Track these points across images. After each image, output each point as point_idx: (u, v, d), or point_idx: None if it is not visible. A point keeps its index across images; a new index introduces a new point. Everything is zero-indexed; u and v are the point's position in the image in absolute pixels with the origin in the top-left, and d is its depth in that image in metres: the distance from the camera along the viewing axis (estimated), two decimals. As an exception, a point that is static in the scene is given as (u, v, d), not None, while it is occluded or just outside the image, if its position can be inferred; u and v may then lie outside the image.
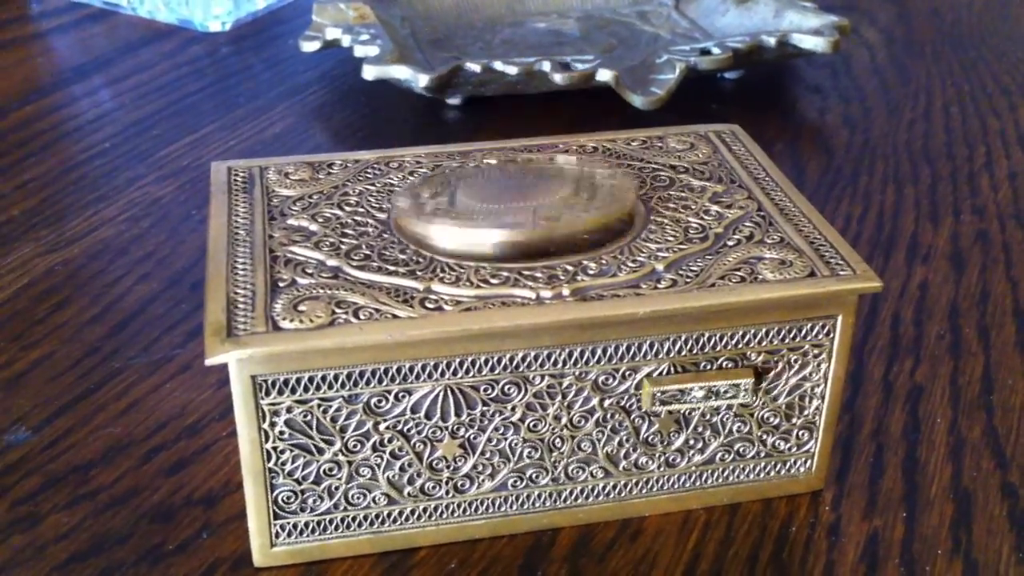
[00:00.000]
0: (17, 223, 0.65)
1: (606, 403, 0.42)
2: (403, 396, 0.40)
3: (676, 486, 0.45)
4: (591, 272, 0.42)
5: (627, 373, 0.42)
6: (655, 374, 0.42)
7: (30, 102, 0.81)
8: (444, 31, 0.88)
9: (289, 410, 0.40)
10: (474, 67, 0.74)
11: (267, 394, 0.39)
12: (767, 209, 0.46)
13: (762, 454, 0.45)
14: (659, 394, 0.42)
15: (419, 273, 0.42)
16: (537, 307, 0.40)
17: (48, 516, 0.45)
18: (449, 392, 0.41)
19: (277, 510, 0.41)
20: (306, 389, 0.39)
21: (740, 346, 0.42)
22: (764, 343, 0.43)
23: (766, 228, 0.45)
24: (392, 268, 0.42)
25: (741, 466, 0.45)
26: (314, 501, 0.42)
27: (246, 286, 0.41)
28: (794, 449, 0.45)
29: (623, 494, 0.44)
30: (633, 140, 0.52)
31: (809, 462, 0.46)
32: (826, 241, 0.44)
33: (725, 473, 0.45)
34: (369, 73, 0.74)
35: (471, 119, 0.79)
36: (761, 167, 0.50)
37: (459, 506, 0.43)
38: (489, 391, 0.41)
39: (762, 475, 0.45)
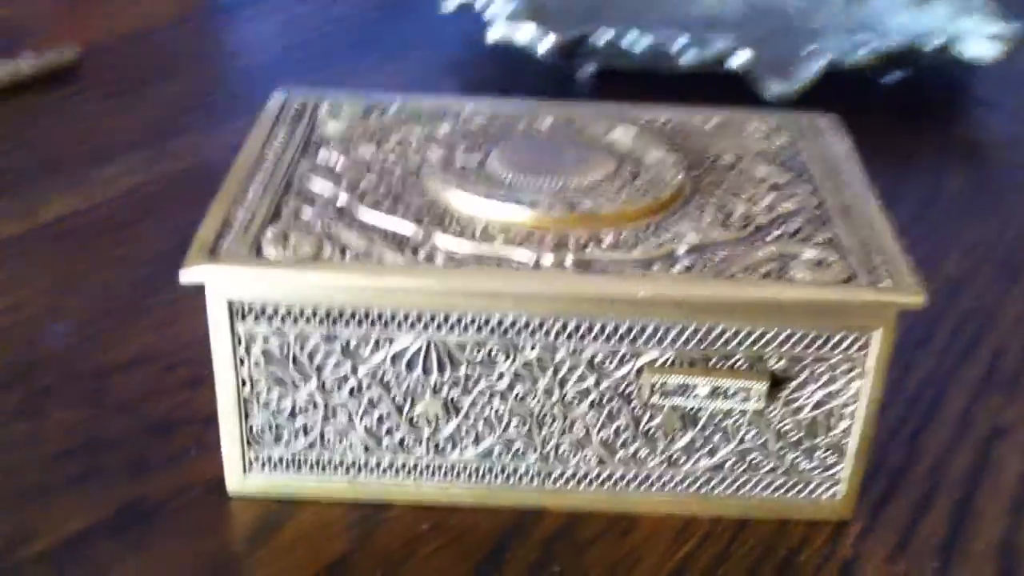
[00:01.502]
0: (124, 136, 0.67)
1: (602, 385, 0.39)
2: (383, 344, 0.38)
3: (679, 488, 0.41)
4: (605, 244, 0.39)
5: (626, 357, 0.39)
6: (657, 363, 0.39)
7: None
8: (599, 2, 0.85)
9: (266, 339, 0.38)
10: (600, 38, 0.71)
11: (243, 319, 0.38)
12: (829, 207, 0.42)
13: (779, 470, 0.41)
14: (659, 385, 0.39)
15: (426, 221, 0.40)
16: (530, 272, 0.38)
17: (56, 412, 0.45)
18: (432, 347, 0.39)
19: (252, 439, 0.40)
20: (283, 321, 0.38)
21: (757, 348, 0.38)
22: (785, 348, 0.38)
23: (818, 226, 0.41)
24: (400, 213, 0.40)
25: (755, 479, 0.41)
26: (289, 436, 0.40)
27: (249, 210, 0.40)
28: (818, 471, 0.41)
29: (619, 486, 0.41)
30: (709, 120, 0.48)
31: (835, 488, 0.41)
32: (882, 249, 0.40)
33: (736, 484, 0.41)
34: (493, 35, 0.72)
35: (600, 93, 0.76)
36: (844, 162, 0.45)
37: (440, 468, 0.41)
38: (475, 353, 0.39)
39: (778, 493, 0.41)
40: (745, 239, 0.40)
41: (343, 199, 0.41)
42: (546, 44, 0.71)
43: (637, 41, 0.71)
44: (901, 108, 0.76)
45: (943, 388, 0.48)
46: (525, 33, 0.71)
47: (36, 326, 0.50)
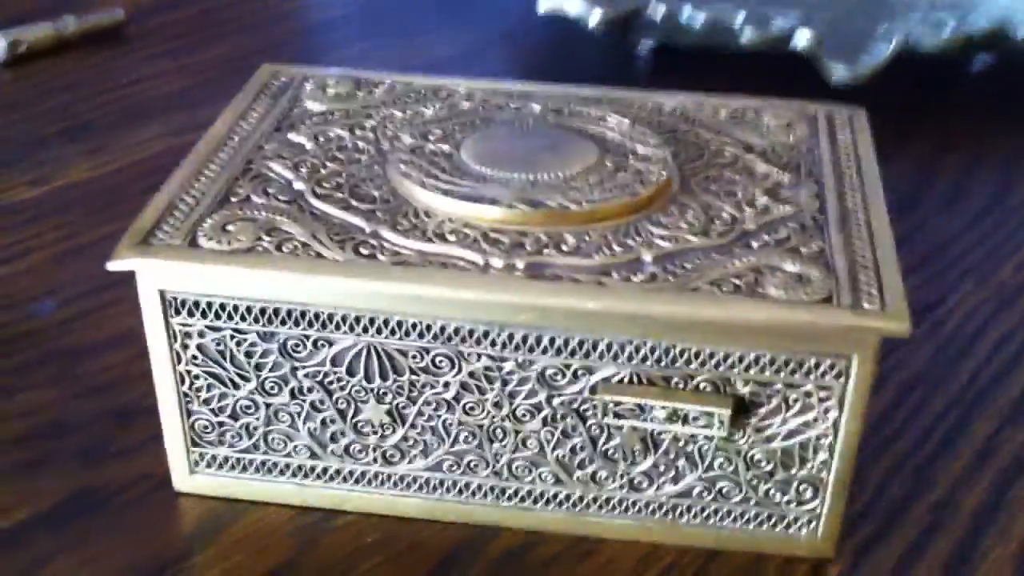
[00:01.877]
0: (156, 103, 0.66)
1: (555, 401, 0.36)
2: (322, 345, 0.36)
3: (644, 514, 0.38)
4: (565, 247, 0.36)
5: (579, 372, 0.35)
6: (613, 380, 0.35)
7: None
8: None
9: (201, 334, 0.37)
10: (656, 11, 0.67)
11: (177, 313, 0.36)
12: (829, 213, 0.38)
13: (752, 500, 0.37)
14: (613, 404, 0.35)
15: (379, 214, 0.37)
16: (476, 276, 0.35)
17: (26, 391, 0.44)
18: (373, 351, 0.36)
19: (195, 437, 0.39)
20: (218, 316, 0.36)
21: (722, 369, 0.35)
22: (752, 372, 0.35)
23: (811, 234, 0.37)
24: (355, 204, 0.38)
25: (726, 509, 0.38)
26: (232, 437, 0.39)
27: (197, 194, 0.38)
28: (794, 505, 0.37)
29: (578, 507, 0.38)
30: (723, 108, 0.44)
31: (814, 523, 0.37)
32: (875, 264, 0.35)
33: (706, 512, 0.38)
34: (543, 5, 0.69)
35: (658, 70, 0.72)
36: (859, 163, 0.41)
37: (389, 478, 0.39)
38: (418, 359, 0.36)
39: (752, 525, 0.38)
40: (724, 246, 0.36)
41: (299, 185, 0.39)
42: (595, 17, 0.67)
43: (694, 16, 0.66)
44: (985, 98, 0.69)
45: (967, 414, 0.44)
46: (574, 5, 0.68)
47: (28, 298, 0.50)
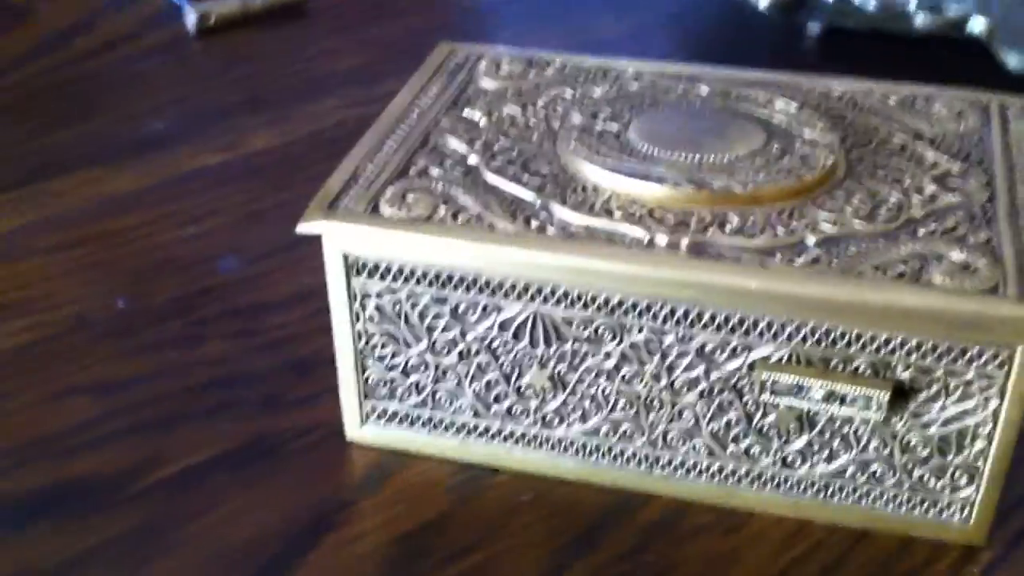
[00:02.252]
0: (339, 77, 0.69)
1: (712, 376, 0.37)
2: (491, 311, 0.38)
3: (796, 491, 0.39)
4: (729, 227, 0.37)
5: (738, 350, 0.36)
6: (771, 360, 0.36)
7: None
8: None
9: (380, 295, 0.39)
10: (829, -8, 0.66)
11: (358, 274, 0.39)
12: (999, 204, 0.38)
13: (905, 484, 0.38)
14: (771, 383, 0.36)
15: (548, 189, 0.39)
16: (637, 251, 0.36)
17: (209, 342, 0.48)
18: (539, 319, 0.38)
19: (368, 391, 0.41)
20: (395, 279, 0.38)
21: (883, 354, 0.35)
22: (913, 358, 0.35)
23: (979, 224, 0.37)
24: (526, 178, 0.39)
25: (878, 491, 0.38)
26: (403, 392, 0.41)
27: (379, 164, 0.40)
28: (947, 491, 0.37)
29: (730, 481, 0.39)
30: (891, 95, 0.44)
31: (967, 510, 0.38)
32: (1045, 256, 0.35)
33: (858, 493, 0.38)
34: (713, -17, 0.69)
35: (827, 53, 0.72)
36: (1032, 153, 0.41)
37: (547, 440, 0.40)
38: (582, 329, 0.38)
39: (904, 509, 0.38)
40: (889, 233, 0.36)
41: (473, 159, 0.41)
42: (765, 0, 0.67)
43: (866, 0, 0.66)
44: None
45: None
46: (743, -15, 0.68)
47: (214, 256, 0.53)
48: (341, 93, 0.67)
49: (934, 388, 0.35)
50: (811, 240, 0.36)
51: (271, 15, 0.76)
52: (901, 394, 0.36)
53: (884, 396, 0.35)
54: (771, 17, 0.71)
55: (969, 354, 0.35)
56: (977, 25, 0.64)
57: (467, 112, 0.44)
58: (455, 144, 0.41)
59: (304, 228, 0.38)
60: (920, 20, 0.65)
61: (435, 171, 0.40)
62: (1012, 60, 0.63)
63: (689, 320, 0.36)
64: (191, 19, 0.74)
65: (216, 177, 0.59)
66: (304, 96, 0.67)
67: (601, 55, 0.48)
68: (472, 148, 0.41)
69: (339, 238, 0.38)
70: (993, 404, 0.35)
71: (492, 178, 0.39)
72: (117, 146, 0.62)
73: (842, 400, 0.36)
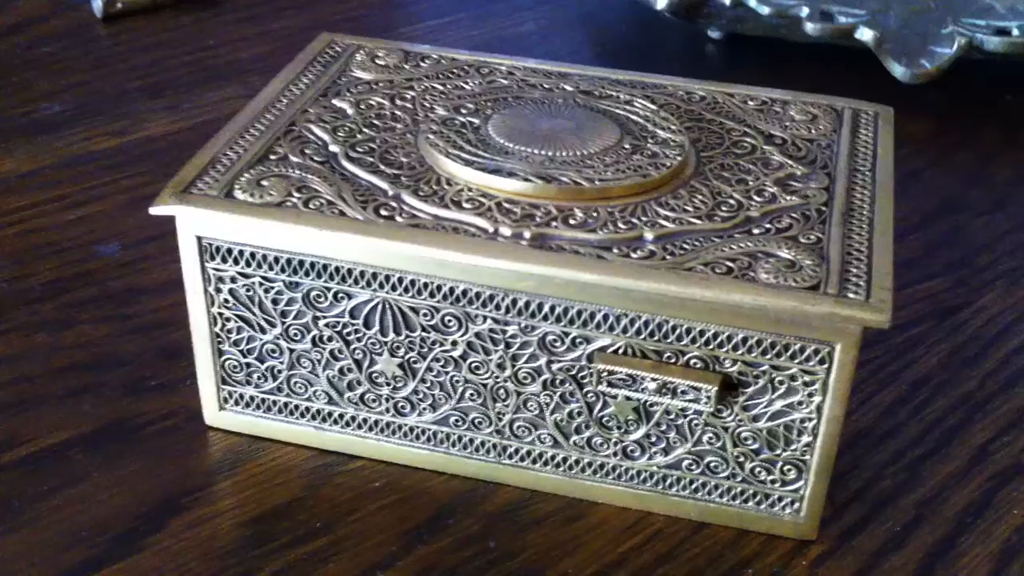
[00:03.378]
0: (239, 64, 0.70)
1: (554, 367, 0.38)
2: (342, 297, 0.39)
3: (635, 481, 0.40)
4: (573, 221, 0.38)
5: (578, 340, 0.37)
6: (608, 351, 0.37)
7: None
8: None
9: (233, 280, 0.39)
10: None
11: (212, 258, 0.39)
12: (835, 206, 0.39)
13: (739, 477, 0.39)
14: (608, 373, 0.37)
15: (403, 180, 0.39)
16: (481, 242, 0.37)
17: (79, 325, 0.48)
18: (387, 307, 0.38)
19: (225, 376, 0.42)
20: (248, 264, 0.39)
21: (712, 347, 0.36)
22: (740, 352, 0.36)
23: (812, 225, 0.38)
24: (383, 168, 0.40)
25: (713, 483, 0.39)
26: (259, 378, 0.41)
27: (239, 152, 0.41)
28: (778, 484, 0.39)
29: (574, 470, 0.40)
30: (751, 99, 0.46)
31: (797, 504, 0.39)
32: (869, 258, 0.37)
33: (693, 485, 0.39)
34: (614, -14, 0.70)
35: (727, 57, 0.73)
36: (875, 160, 0.42)
37: (400, 428, 0.41)
38: (428, 317, 0.38)
39: (738, 501, 0.39)
40: (725, 231, 0.38)
41: (333, 148, 0.41)
42: (662, 2, 0.68)
43: (760, 6, 0.67)
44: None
45: (969, 418, 0.44)
46: (642, -11, 0.69)
47: (95, 240, 0.53)
48: (242, 82, 0.68)
49: (760, 382, 0.37)
50: (649, 236, 0.37)
51: (180, 2, 0.76)
52: (730, 387, 0.37)
53: (712, 389, 0.37)
54: (677, 22, 0.72)
55: (792, 350, 0.36)
56: (865, 35, 0.65)
57: (336, 102, 0.44)
58: (318, 132, 0.42)
59: (156, 210, 0.39)
60: (811, 28, 0.66)
61: (294, 159, 0.41)
62: (897, 71, 0.65)
63: (531, 311, 0.37)
64: (98, 4, 0.74)
65: (105, 161, 0.59)
66: (204, 84, 0.67)
67: (509, 52, 0.49)
68: (335, 137, 0.42)
69: (192, 222, 0.39)
70: (816, 399, 0.36)
71: (349, 167, 0.40)
72: (9, 128, 0.62)
73: (674, 392, 0.37)
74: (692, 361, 0.37)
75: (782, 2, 0.67)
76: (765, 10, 0.67)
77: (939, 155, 0.63)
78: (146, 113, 0.64)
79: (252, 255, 0.39)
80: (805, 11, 0.67)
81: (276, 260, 0.39)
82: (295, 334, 0.40)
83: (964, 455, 0.43)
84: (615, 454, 0.39)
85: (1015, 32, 0.65)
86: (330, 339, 0.40)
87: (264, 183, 0.39)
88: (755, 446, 0.38)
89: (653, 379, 0.37)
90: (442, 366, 0.39)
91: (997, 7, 0.73)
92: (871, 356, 0.47)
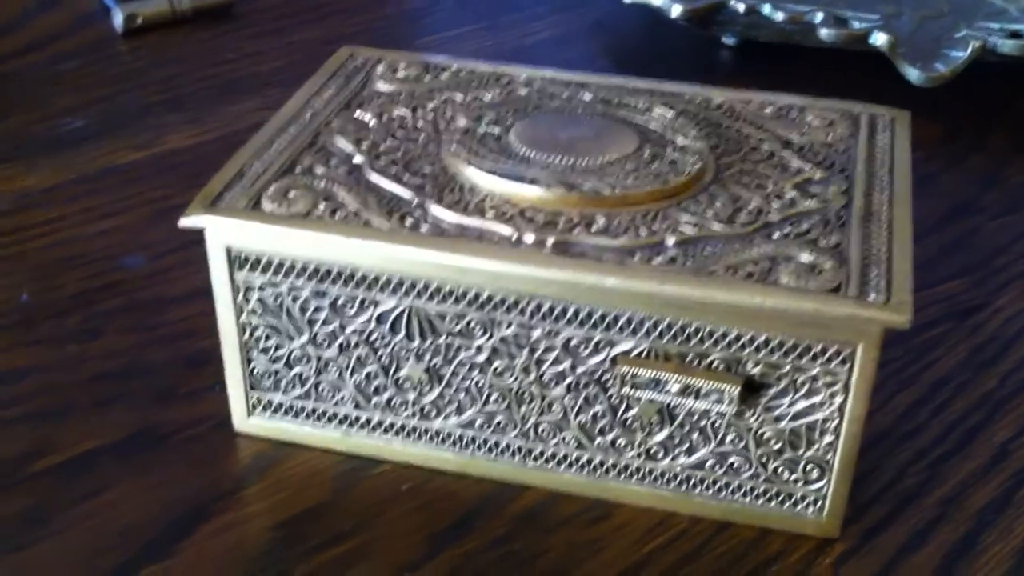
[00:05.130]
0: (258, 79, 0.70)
1: (579, 370, 0.39)
2: (368, 305, 0.39)
3: (659, 483, 0.40)
4: (595, 227, 0.38)
5: (601, 344, 0.38)
6: (632, 354, 0.38)
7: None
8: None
9: (262, 288, 0.40)
10: (738, 6, 0.68)
11: (240, 268, 0.40)
12: (854, 209, 0.40)
13: (761, 477, 0.39)
14: (630, 376, 0.38)
15: (427, 189, 0.40)
16: (505, 249, 0.37)
17: (107, 335, 0.49)
18: (414, 313, 0.39)
19: (253, 382, 0.42)
20: (276, 272, 0.40)
21: (734, 350, 0.37)
22: (762, 354, 0.37)
23: (832, 228, 0.39)
24: (406, 178, 0.41)
25: (736, 483, 0.40)
26: (287, 384, 0.42)
27: (265, 164, 0.42)
28: (801, 484, 0.39)
29: (599, 472, 0.41)
30: (768, 105, 0.46)
31: (820, 503, 0.39)
32: (888, 260, 0.37)
33: (717, 485, 0.40)
34: (628, -5, 0.71)
35: (741, 63, 0.74)
36: (892, 164, 0.43)
37: (426, 432, 0.42)
38: (454, 323, 0.39)
39: (761, 501, 0.40)
40: (745, 235, 0.38)
41: (358, 159, 0.42)
42: (677, 10, 0.69)
43: (774, 13, 0.68)
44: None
45: (990, 418, 0.45)
46: (656, -2, 0.70)
47: (122, 252, 0.54)
48: (261, 94, 0.68)
49: (783, 383, 0.37)
50: (671, 241, 0.38)
51: (199, 16, 0.77)
52: (752, 389, 0.37)
53: (735, 390, 0.37)
54: (690, 29, 0.73)
55: (814, 351, 0.36)
56: (879, 40, 0.66)
57: (358, 113, 0.45)
58: (343, 144, 0.43)
59: (186, 222, 0.39)
60: (825, 34, 0.67)
61: (320, 169, 0.41)
62: (911, 75, 0.65)
63: (555, 315, 0.38)
64: (118, 19, 0.75)
65: (129, 175, 0.60)
66: (224, 97, 0.68)
67: (526, 62, 0.50)
68: (359, 148, 0.43)
69: (221, 232, 0.39)
70: (838, 400, 0.37)
71: (374, 177, 0.41)
72: (34, 143, 0.63)
73: (697, 394, 0.38)
74: (714, 363, 0.37)
75: (796, 8, 0.68)
76: (779, 16, 0.68)
77: (954, 158, 0.64)
78: (168, 127, 0.65)
79: (280, 264, 0.39)
80: (819, 17, 0.67)
81: (304, 269, 0.39)
82: (322, 341, 0.41)
83: (985, 454, 0.43)
84: (639, 455, 0.40)
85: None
86: (357, 345, 0.40)
87: (291, 194, 0.40)
88: (778, 446, 0.39)
89: (676, 381, 0.38)
90: (468, 371, 0.40)
91: (1011, 10, 0.74)
92: (891, 357, 0.47)
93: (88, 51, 0.73)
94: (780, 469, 0.39)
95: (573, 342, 0.38)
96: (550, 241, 0.38)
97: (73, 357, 0.47)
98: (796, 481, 0.39)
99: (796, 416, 0.38)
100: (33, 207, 0.57)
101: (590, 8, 0.81)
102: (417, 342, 0.40)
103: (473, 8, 0.81)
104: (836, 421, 0.37)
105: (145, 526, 0.40)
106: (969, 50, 0.65)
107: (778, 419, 0.38)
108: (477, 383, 0.40)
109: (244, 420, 0.43)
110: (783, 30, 0.69)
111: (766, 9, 0.68)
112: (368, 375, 0.41)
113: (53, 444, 0.43)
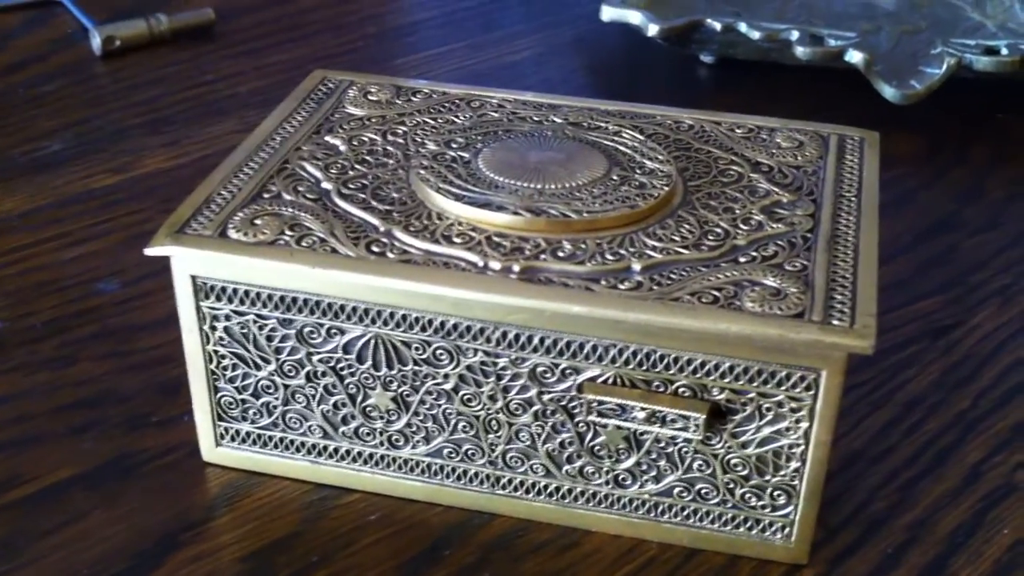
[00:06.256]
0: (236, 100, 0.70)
1: (545, 398, 0.39)
2: (335, 333, 0.39)
3: (628, 509, 0.40)
4: (561, 254, 0.38)
5: (567, 371, 0.38)
6: (598, 381, 0.38)
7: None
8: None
9: (228, 318, 0.40)
10: (715, 24, 0.68)
11: (207, 297, 0.40)
12: (821, 233, 0.40)
13: (729, 503, 0.39)
14: (597, 403, 0.38)
15: (395, 215, 0.40)
16: (471, 277, 0.37)
17: (80, 363, 0.49)
18: (380, 341, 0.39)
19: (221, 412, 0.42)
20: (242, 302, 0.40)
21: (699, 375, 0.37)
22: (728, 380, 0.37)
23: (797, 252, 0.39)
24: (374, 204, 0.41)
25: (704, 510, 0.40)
26: (254, 414, 0.42)
27: (233, 191, 0.42)
28: (768, 510, 0.39)
29: (567, 500, 0.41)
30: (738, 127, 0.46)
31: (788, 529, 0.39)
32: (853, 284, 0.37)
33: (685, 512, 0.40)
34: (606, 14, 0.71)
35: (719, 81, 0.74)
36: (860, 186, 0.43)
37: (394, 461, 0.42)
38: (421, 351, 0.39)
39: (729, 527, 0.40)
40: (711, 260, 0.38)
41: (326, 185, 0.42)
42: (654, 29, 0.69)
43: (751, 31, 0.68)
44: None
45: (962, 438, 0.45)
46: (635, 16, 0.70)
47: (96, 278, 0.54)
48: (240, 116, 0.68)
49: (748, 409, 0.37)
50: (637, 266, 0.38)
51: (178, 38, 0.77)
52: (718, 415, 0.37)
53: (700, 417, 0.37)
54: (669, 48, 0.73)
55: (778, 377, 0.36)
56: (854, 57, 0.66)
57: (328, 138, 0.45)
58: (311, 169, 0.43)
59: (152, 251, 0.39)
60: (801, 52, 0.67)
61: (287, 196, 0.41)
62: (886, 92, 0.65)
63: (521, 343, 0.38)
64: (96, 41, 0.75)
65: (105, 199, 0.60)
66: (203, 119, 0.68)
67: (505, 80, 0.50)
68: (327, 174, 0.42)
69: (187, 261, 0.39)
70: (804, 425, 0.37)
71: (341, 204, 0.41)
72: (10, 167, 0.63)
73: (663, 421, 0.38)
74: (680, 390, 0.37)
75: (772, 26, 0.68)
76: (756, 35, 0.68)
77: (932, 174, 0.64)
78: (145, 149, 0.65)
79: (246, 293, 0.39)
80: (795, 35, 0.67)
81: (270, 298, 0.39)
82: (289, 370, 0.40)
83: (956, 475, 0.43)
84: (607, 483, 0.40)
85: (1004, 51, 0.66)
86: (324, 374, 0.40)
87: (257, 221, 0.40)
88: (744, 472, 0.38)
89: (642, 408, 0.37)
90: (435, 399, 0.40)
91: (989, 25, 0.74)
92: (863, 378, 0.47)
93: (66, 73, 0.73)
94: (747, 495, 0.39)
95: (539, 369, 0.38)
96: (516, 268, 0.38)
97: (45, 385, 0.47)
98: (764, 507, 0.39)
99: (762, 442, 0.38)
100: (8, 232, 0.57)
101: (571, 27, 0.81)
102: (384, 370, 0.40)
103: (456, 27, 0.81)
104: (802, 447, 0.37)
105: (115, 557, 0.40)
106: (944, 67, 0.65)
107: (744, 445, 0.38)
108: (444, 411, 0.40)
109: (212, 450, 0.43)
110: (760, 48, 0.69)
111: (743, 27, 0.68)
112: (335, 404, 0.41)
113: (24, 473, 0.43)
